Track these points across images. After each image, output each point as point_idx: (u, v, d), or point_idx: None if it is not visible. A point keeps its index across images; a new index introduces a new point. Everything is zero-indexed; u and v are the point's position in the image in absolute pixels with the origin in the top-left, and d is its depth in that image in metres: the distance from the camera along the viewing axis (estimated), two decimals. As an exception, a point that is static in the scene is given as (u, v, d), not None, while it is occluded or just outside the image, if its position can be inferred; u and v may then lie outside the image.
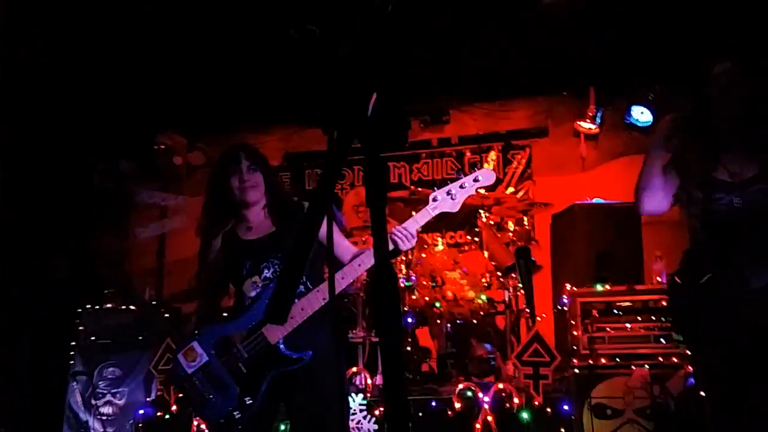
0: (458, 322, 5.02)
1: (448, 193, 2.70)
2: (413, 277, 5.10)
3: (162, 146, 6.95)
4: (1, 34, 5.03)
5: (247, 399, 2.62)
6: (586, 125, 6.61)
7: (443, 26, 5.29)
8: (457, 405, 4.07)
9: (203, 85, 6.14)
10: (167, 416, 4.53)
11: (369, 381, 4.46)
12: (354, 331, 4.79)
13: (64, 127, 6.32)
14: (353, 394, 4.23)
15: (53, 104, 6.01)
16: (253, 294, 2.74)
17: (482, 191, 5.18)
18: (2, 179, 6.00)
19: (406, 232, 2.65)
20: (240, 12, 5.27)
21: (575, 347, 4.16)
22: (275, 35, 5.47)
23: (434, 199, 2.69)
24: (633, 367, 3.92)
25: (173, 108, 6.50)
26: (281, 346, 2.62)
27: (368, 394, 4.32)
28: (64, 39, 5.37)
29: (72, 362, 5.14)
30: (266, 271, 2.75)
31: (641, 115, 6.27)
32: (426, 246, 5.47)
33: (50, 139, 6.29)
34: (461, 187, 2.72)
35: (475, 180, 2.73)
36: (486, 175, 2.76)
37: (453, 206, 2.70)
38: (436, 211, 2.69)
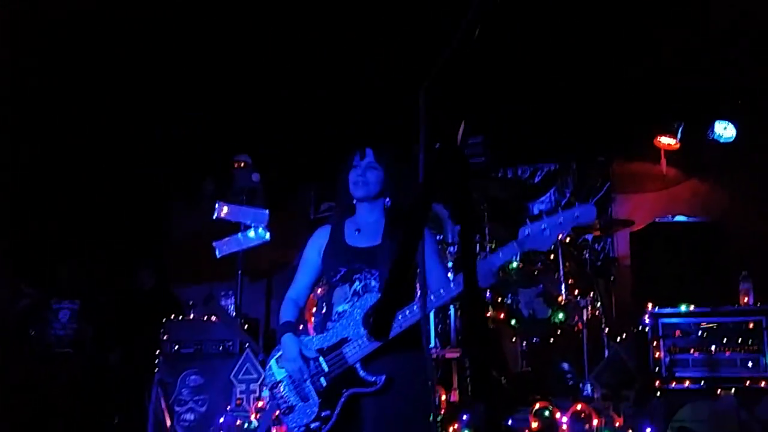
0: (534, 340, 4.95)
1: (543, 229, 2.42)
2: (488, 294, 5.08)
3: (241, 164, 7.18)
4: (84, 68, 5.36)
5: (324, 413, 2.65)
6: (666, 141, 6.44)
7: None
8: (534, 424, 4.02)
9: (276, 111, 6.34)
10: (247, 424, 4.66)
11: (443, 397, 4.46)
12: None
13: (149, 150, 6.65)
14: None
15: (137, 129, 6.34)
16: (339, 308, 2.74)
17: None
18: (98, 201, 6.38)
19: (487, 269, 2.49)
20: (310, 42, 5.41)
21: (657, 369, 4.05)
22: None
23: (525, 234, 2.44)
24: (719, 391, 3.79)
25: (252, 130, 6.72)
26: (358, 367, 2.63)
27: (442, 411, 4.32)
28: (146, 70, 5.66)
29: (157, 369, 5.35)
30: (358, 282, 2.72)
31: (724, 130, 6.08)
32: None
33: (138, 164, 6.64)
34: (558, 223, 2.42)
35: (575, 217, 2.41)
36: (587, 211, 2.42)
37: (545, 243, 2.44)
38: (526, 247, 2.46)
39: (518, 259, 5.30)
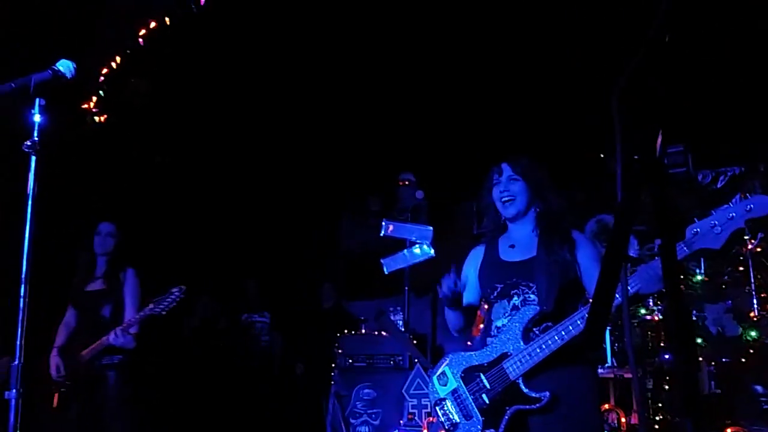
0: (723, 360, 4.57)
1: (712, 226, 2.24)
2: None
3: (405, 182, 7.36)
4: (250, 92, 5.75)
5: (488, 431, 2.60)
6: None
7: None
8: (727, 451, 3.71)
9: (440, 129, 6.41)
10: (419, 439, 4.73)
11: (623, 419, 4.25)
12: (603, 367, 4.62)
13: (315, 171, 7.02)
14: (606, 432, 4.06)
15: (306, 153, 6.72)
16: (498, 323, 2.71)
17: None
18: (281, 220, 6.81)
19: (653, 273, 2.31)
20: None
21: None
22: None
23: (693, 233, 2.26)
24: None
25: (414, 150, 6.87)
26: (520, 383, 2.56)
27: (621, 433, 4.12)
28: (310, 95, 5.98)
29: (333, 382, 5.59)
30: (516, 297, 2.68)
31: None
32: (681, 276, 5.08)
33: (313, 182, 7.03)
34: (729, 218, 2.23)
35: (747, 210, 2.21)
36: (761, 202, 2.21)
37: (716, 242, 2.23)
38: (695, 248, 2.26)
39: (703, 271, 4.93)
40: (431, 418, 4.87)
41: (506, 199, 2.77)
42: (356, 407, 5.46)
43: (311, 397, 6.18)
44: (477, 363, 2.69)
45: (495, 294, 2.74)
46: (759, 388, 4.66)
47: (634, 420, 4.50)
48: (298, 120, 6.35)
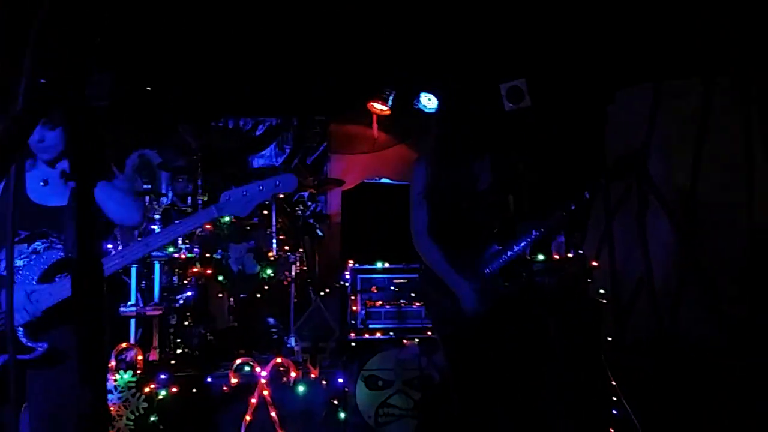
0: (241, 295, 4.92)
1: (244, 195, 2.44)
2: (196, 249, 4.92)
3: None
4: None
5: None
6: (378, 107, 6.76)
7: None
8: (234, 380, 3.99)
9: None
10: None
11: (140, 357, 4.21)
12: (126, 305, 4.52)
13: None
14: (122, 371, 3.97)
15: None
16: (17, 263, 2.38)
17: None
18: None
19: (173, 237, 2.54)
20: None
21: (353, 321, 4.28)
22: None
23: (226, 199, 2.44)
24: (405, 341, 4.14)
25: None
26: (19, 331, 2.34)
27: (138, 371, 4.08)
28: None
29: None
30: (40, 243, 2.43)
31: (428, 101, 6.55)
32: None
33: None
34: (259, 191, 2.46)
35: (276, 185, 2.47)
36: (287, 181, 2.48)
37: (244, 209, 2.45)
38: (224, 213, 2.46)
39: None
40: None
41: (41, 146, 2.45)
42: None
43: None
44: None
45: (16, 239, 2.40)
46: (271, 320, 5.17)
47: (153, 357, 4.53)
48: None
